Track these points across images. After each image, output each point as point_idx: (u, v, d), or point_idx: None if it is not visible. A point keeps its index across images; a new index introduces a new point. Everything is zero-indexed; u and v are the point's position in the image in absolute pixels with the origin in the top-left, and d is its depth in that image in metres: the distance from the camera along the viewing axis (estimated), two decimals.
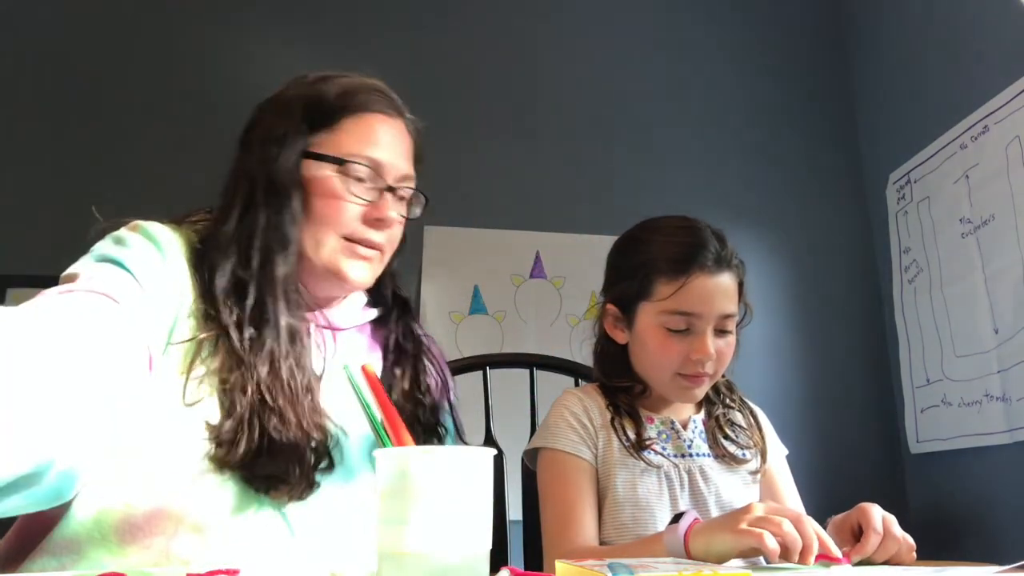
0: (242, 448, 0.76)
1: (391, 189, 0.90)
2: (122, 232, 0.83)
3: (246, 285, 0.83)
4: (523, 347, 2.23)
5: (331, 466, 0.82)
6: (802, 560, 0.74)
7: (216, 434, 0.76)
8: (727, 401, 1.15)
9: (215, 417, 0.77)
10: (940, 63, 2.30)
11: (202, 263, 0.84)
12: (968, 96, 2.15)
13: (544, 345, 2.27)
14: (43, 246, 2.22)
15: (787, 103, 2.70)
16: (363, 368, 0.75)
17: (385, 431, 0.71)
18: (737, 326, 1.07)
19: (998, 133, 2.03)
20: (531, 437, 1.16)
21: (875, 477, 2.36)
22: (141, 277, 0.78)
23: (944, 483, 2.21)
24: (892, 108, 2.53)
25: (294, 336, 0.84)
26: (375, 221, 0.88)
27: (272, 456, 0.77)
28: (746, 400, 1.18)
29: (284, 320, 0.83)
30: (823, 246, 2.58)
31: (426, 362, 0.99)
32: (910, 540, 0.85)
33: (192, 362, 0.79)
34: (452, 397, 1.03)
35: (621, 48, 2.65)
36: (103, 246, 0.81)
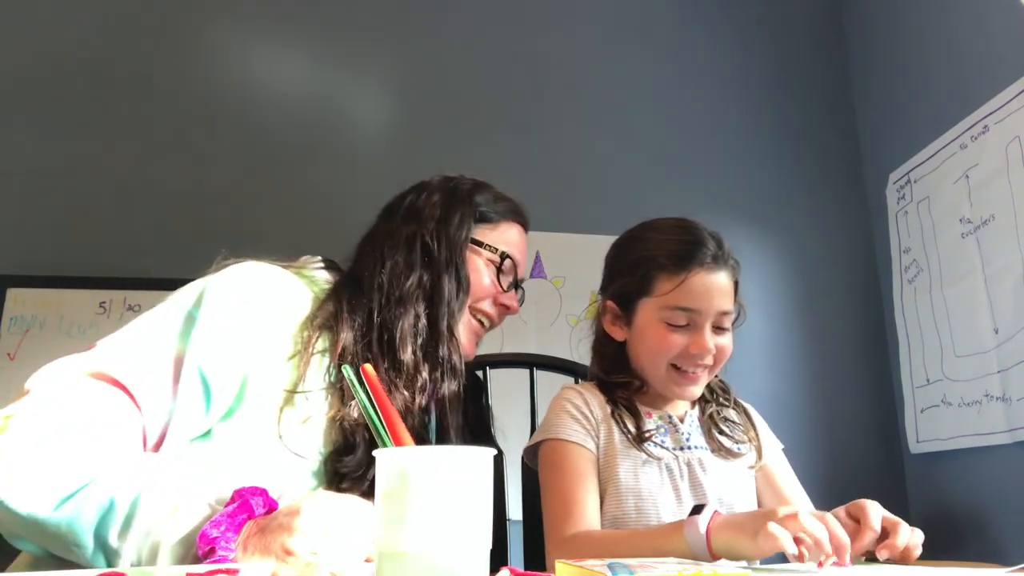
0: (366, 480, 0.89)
1: (519, 286, 1.13)
2: (211, 288, 0.90)
3: (431, 331, 1.00)
4: (523, 347, 2.22)
5: None
6: (839, 558, 0.76)
7: (338, 465, 0.89)
8: (721, 400, 1.17)
9: (321, 444, 0.90)
10: (940, 63, 2.30)
11: (354, 311, 0.97)
12: (968, 96, 2.15)
13: (544, 345, 2.27)
14: (43, 246, 2.23)
15: (787, 103, 2.70)
16: (363, 368, 0.75)
17: (385, 431, 0.71)
18: (732, 325, 1.09)
19: (998, 133, 2.03)
20: (531, 437, 1.16)
21: (875, 477, 2.36)
22: (197, 348, 0.86)
23: (944, 483, 2.21)
24: (892, 108, 2.53)
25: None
26: (503, 307, 1.11)
27: None
28: (739, 400, 1.21)
29: (459, 365, 1.02)
30: (823, 246, 2.58)
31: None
32: (916, 538, 0.85)
33: (285, 404, 0.89)
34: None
35: (621, 47, 2.65)
36: (184, 300, 0.90)
